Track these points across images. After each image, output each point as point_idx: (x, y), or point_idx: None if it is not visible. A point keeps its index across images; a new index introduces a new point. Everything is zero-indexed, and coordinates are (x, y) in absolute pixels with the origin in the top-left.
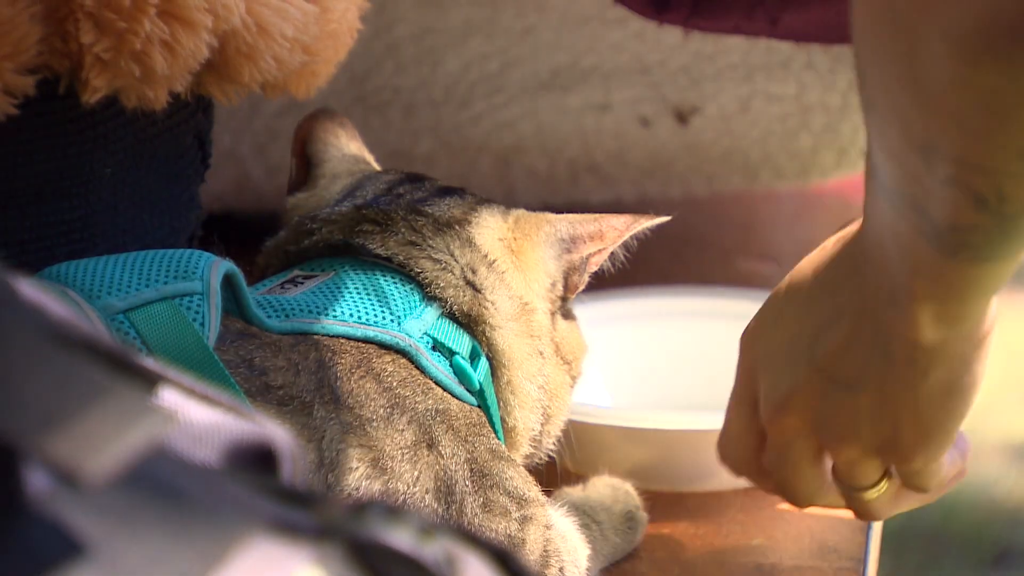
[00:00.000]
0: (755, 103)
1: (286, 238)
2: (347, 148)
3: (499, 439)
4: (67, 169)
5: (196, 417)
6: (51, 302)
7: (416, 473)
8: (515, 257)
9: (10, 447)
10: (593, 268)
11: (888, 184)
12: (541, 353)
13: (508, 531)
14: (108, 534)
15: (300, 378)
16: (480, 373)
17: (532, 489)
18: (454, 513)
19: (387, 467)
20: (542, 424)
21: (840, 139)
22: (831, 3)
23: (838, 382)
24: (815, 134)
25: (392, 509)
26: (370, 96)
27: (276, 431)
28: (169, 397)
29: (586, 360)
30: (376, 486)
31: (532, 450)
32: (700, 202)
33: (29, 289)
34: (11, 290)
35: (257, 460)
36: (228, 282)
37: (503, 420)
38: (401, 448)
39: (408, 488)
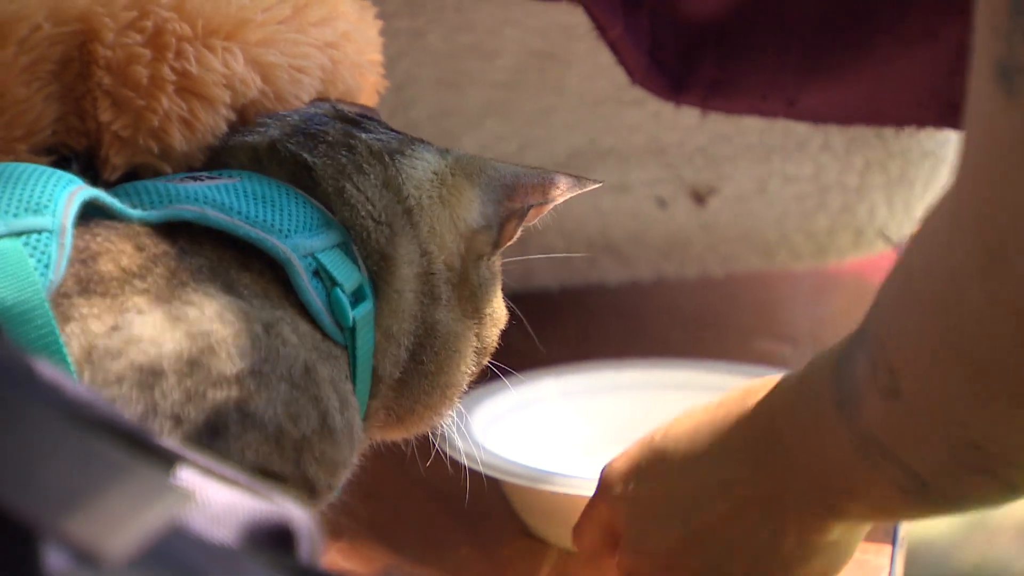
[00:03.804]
0: (772, 184)
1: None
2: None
3: (357, 386)
4: None
5: (214, 497)
6: (68, 381)
7: (238, 344)
8: (446, 190)
9: (30, 527)
10: (531, 222)
11: (877, 435)
12: (436, 298)
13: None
14: None
15: (139, 258)
16: (359, 312)
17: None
18: (247, 389)
19: (185, 316)
20: (429, 387)
21: (857, 220)
22: (848, 84)
23: (710, 550)
24: (832, 215)
25: None
26: None
27: (293, 510)
28: (187, 477)
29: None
30: (175, 333)
31: (397, 407)
32: (717, 283)
33: (47, 368)
34: (29, 369)
35: (274, 539)
36: (97, 204)
37: (374, 368)
38: (220, 307)
39: (211, 328)
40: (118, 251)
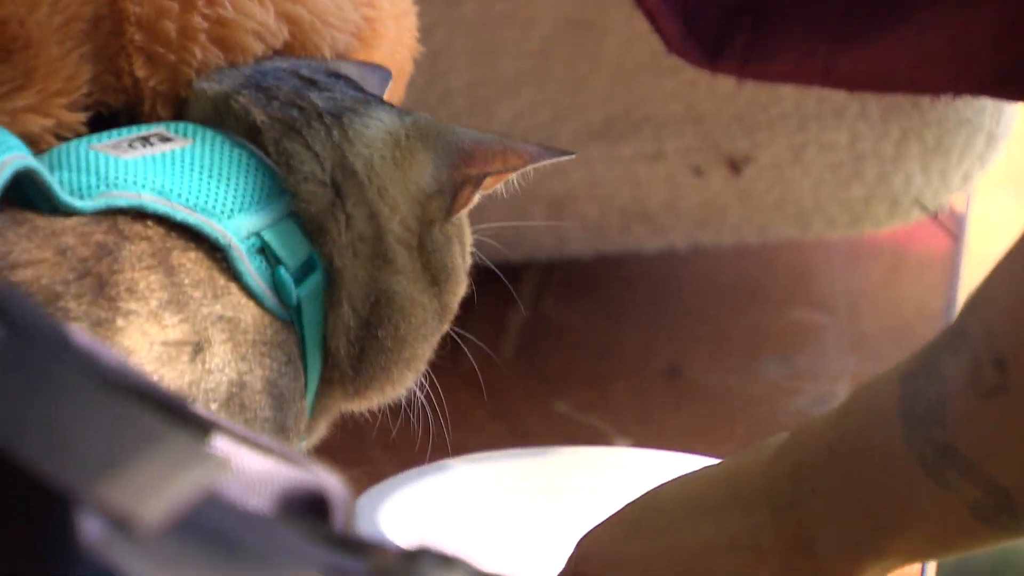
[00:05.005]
0: (808, 152)
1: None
2: None
3: (307, 361)
4: None
5: (249, 465)
6: (104, 349)
7: (159, 375)
8: (399, 152)
9: (64, 494)
10: (488, 190)
11: (960, 446)
12: (390, 261)
13: None
14: None
15: (60, 268)
16: (305, 288)
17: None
18: None
19: None
20: (387, 362)
21: (893, 189)
22: (885, 52)
23: None
24: (868, 184)
25: (445, 557)
26: None
27: (329, 479)
28: (222, 445)
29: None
30: None
31: (355, 379)
32: (752, 251)
33: (81, 336)
34: (63, 337)
35: (309, 507)
36: (33, 177)
37: (326, 342)
38: (153, 343)
39: None
40: (39, 260)
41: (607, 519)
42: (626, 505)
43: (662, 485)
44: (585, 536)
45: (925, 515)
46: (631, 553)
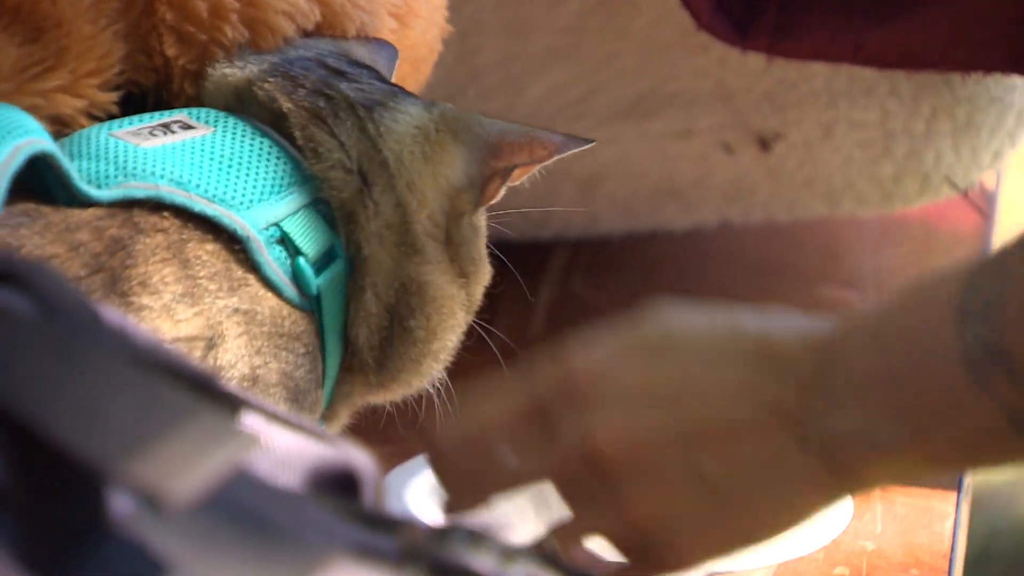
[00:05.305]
0: (838, 130)
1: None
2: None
3: (326, 349)
4: None
5: (279, 442)
6: (134, 326)
7: None
8: (429, 147)
9: (95, 470)
10: (515, 182)
11: (1010, 346)
12: (419, 251)
13: None
14: (191, 557)
15: (72, 264)
16: (326, 277)
17: None
18: None
19: None
20: (419, 354)
21: (923, 166)
22: (915, 29)
23: (695, 460)
24: (898, 161)
25: (474, 533)
26: None
27: (358, 456)
28: (251, 422)
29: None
30: None
31: (379, 370)
32: (782, 229)
33: (112, 314)
34: (94, 315)
35: (339, 484)
36: (50, 163)
37: (347, 331)
38: (165, 340)
39: None
40: (51, 256)
41: (608, 339)
42: (629, 330)
43: (672, 322)
44: (580, 349)
45: (960, 417)
46: (641, 377)
